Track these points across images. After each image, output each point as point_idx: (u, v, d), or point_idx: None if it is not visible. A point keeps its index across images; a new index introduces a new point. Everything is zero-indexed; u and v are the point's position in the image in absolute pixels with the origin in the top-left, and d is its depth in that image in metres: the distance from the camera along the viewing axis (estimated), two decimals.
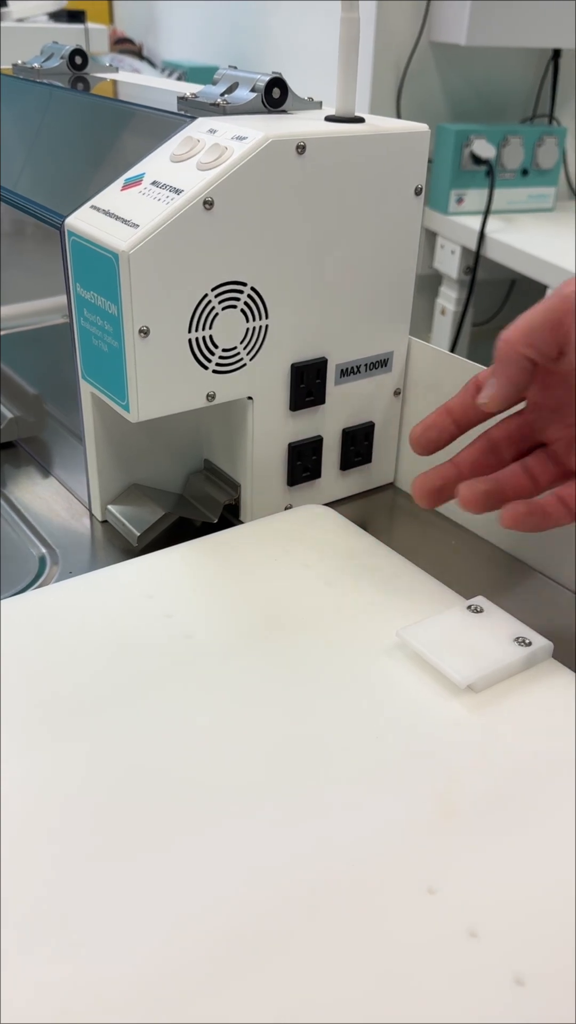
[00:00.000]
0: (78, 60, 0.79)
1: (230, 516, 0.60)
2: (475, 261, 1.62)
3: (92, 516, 0.61)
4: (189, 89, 0.64)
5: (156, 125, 0.57)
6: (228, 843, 0.33)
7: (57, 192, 0.59)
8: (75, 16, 2.21)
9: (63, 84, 0.73)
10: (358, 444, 0.62)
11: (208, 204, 0.48)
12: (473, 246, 1.61)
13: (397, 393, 0.63)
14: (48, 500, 0.63)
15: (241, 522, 0.60)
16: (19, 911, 0.30)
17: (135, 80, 0.78)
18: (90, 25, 2.10)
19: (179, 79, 2.02)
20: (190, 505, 0.61)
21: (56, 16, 2.17)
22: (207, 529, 0.57)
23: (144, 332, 0.49)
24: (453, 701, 0.39)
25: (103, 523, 0.60)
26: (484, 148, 1.65)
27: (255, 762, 0.37)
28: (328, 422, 0.60)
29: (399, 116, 1.65)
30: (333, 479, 0.62)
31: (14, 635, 0.44)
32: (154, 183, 0.50)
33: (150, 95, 0.67)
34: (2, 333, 0.84)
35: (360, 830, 0.34)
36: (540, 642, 0.42)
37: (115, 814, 0.34)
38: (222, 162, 0.48)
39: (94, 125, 0.64)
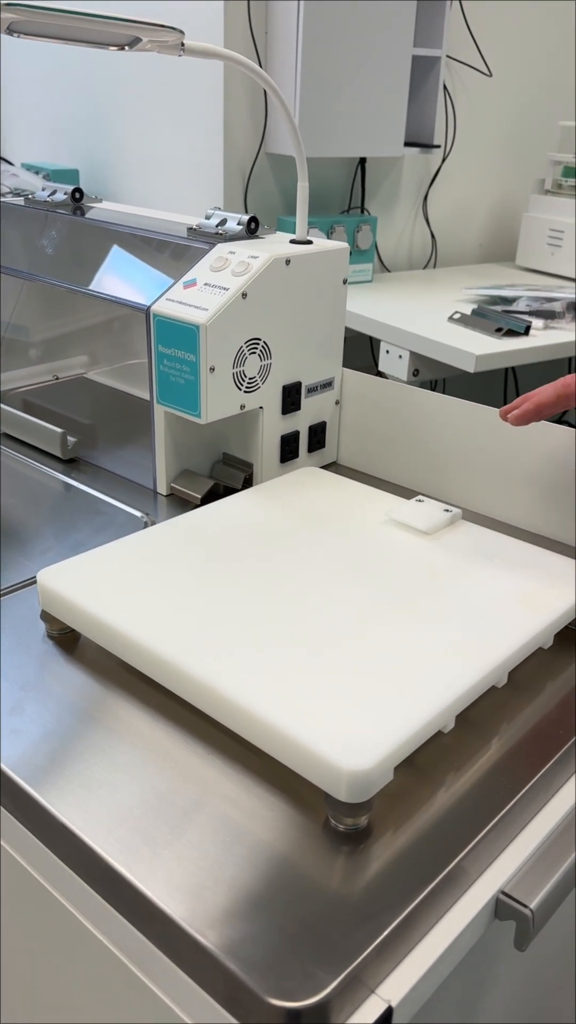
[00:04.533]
0: (77, 195, 1.14)
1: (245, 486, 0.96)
2: None
3: (156, 493, 0.94)
4: (169, 217, 1.01)
5: (179, 248, 0.93)
6: (310, 606, 0.68)
7: (124, 290, 0.93)
8: None
9: (67, 212, 1.07)
10: (318, 435, 0.99)
11: (244, 295, 0.84)
12: None
13: (337, 403, 1.01)
14: (117, 488, 0.96)
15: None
16: (225, 627, 0.64)
17: (119, 208, 1.13)
18: None
19: (46, 179, 2.35)
20: (223, 478, 0.96)
21: None
22: (232, 493, 0.91)
23: (212, 369, 0.84)
24: (422, 537, 0.77)
25: (167, 496, 0.94)
26: (316, 235, 2.09)
27: (321, 568, 0.72)
28: (301, 421, 0.97)
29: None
30: (304, 458, 0.99)
31: (178, 535, 0.77)
32: (206, 284, 0.86)
33: (154, 224, 1.02)
34: (32, 387, 1.16)
35: (384, 588, 0.70)
36: (456, 510, 0.80)
37: (258, 595, 0.69)
38: (248, 271, 0.85)
39: (135, 247, 0.99)
